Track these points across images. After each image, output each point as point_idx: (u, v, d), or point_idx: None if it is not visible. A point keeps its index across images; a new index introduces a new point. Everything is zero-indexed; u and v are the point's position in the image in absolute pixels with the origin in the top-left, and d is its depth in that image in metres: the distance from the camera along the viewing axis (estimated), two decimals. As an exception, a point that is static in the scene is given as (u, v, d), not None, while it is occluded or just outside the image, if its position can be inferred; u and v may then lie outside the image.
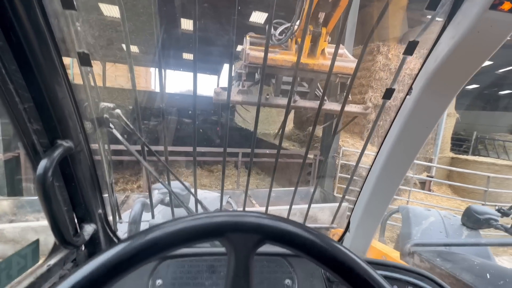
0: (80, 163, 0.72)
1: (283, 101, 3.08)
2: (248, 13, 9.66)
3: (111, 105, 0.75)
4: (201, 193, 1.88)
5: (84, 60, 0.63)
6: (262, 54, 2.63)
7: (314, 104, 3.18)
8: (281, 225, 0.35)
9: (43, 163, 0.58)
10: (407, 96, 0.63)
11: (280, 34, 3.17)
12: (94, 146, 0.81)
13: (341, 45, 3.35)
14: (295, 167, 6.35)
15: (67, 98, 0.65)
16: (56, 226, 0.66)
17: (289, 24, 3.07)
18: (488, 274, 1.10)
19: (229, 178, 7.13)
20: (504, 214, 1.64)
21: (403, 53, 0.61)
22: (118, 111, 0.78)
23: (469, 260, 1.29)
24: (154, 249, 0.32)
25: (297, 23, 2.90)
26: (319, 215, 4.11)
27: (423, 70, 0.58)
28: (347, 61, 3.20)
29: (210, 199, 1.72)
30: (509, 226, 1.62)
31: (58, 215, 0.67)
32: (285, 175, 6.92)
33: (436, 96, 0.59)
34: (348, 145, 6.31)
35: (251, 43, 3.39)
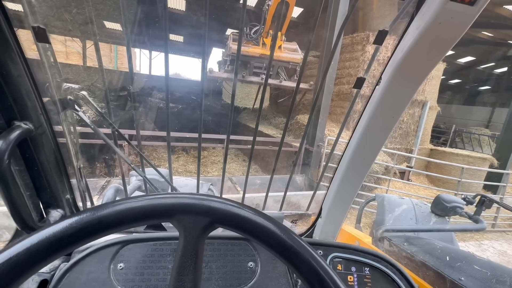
0: (42, 146, 0.69)
1: (254, 78, 5.43)
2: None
3: (75, 86, 0.71)
4: (182, 180, 1.86)
5: (41, 36, 0.58)
6: (242, 48, 4.42)
7: (275, 81, 5.56)
8: (231, 209, 0.35)
9: None
10: (377, 87, 0.64)
11: (254, 33, 5.27)
12: (60, 129, 0.77)
13: (294, 42, 5.52)
14: (283, 154, 6.60)
15: (23, 76, 0.60)
16: (16, 211, 0.64)
17: (258, 27, 5.14)
18: (448, 257, 1.19)
19: (216, 165, 7.11)
20: (469, 202, 1.76)
21: (373, 43, 0.61)
22: (84, 92, 0.74)
23: (433, 244, 1.38)
24: (99, 226, 0.32)
25: (263, 27, 5.06)
26: (302, 202, 4.24)
27: (391, 61, 0.58)
28: (296, 54, 5.59)
29: (191, 186, 1.71)
30: (472, 213, 1.74)
31: (19, 199, 0.64)
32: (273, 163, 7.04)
33: (402, 86, 0.60)
34: (334, 135, 6.42)
35: (233, 39, 5.48)
